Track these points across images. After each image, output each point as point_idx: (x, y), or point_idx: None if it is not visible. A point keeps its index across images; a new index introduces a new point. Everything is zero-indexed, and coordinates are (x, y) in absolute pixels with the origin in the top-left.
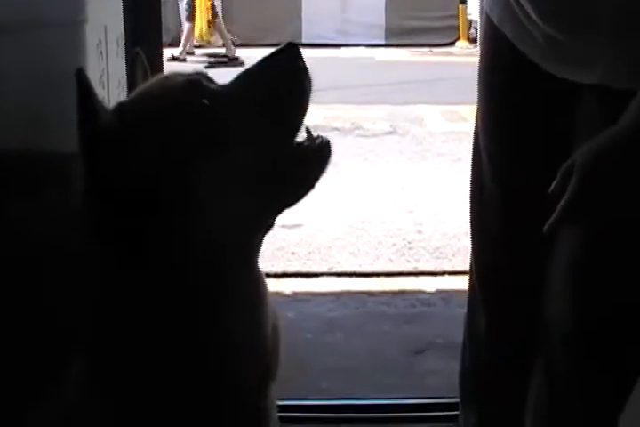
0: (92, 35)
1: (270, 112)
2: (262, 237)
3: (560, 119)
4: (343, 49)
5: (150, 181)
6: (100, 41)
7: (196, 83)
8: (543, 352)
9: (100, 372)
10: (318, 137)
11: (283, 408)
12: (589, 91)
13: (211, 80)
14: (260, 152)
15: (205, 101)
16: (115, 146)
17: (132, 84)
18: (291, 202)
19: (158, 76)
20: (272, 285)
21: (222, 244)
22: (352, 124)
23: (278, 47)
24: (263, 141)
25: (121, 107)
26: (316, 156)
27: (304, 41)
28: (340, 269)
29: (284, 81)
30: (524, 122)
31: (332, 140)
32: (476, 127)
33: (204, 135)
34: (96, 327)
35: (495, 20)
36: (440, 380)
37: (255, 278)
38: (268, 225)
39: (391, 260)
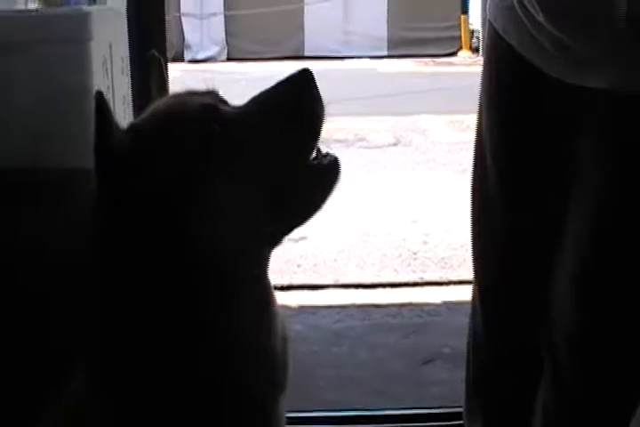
0: (97, 52)
1: (283, 138)
2: (270, 251)
3: (565, 126)
4: (346, 61)
5: (160, 202)
6: (106, 58)
7: (210, 107)
8: (547, 356)
9: (104, 375)
10: (327, 155)
11: (288, 420)
12: (596, 96)
13: (223, 101)
14: (271, 176)
15: (217, 127)
16: (127, 166)
17: (147, 87)
18: (300, 220)
19: (172, 96)
20: (278, 297)
21: (230, 263)
22: (355, 135)
23: (293, 72)
24: (274, 166)
25: (134, 127)
26: (326, 175)
27: (307, 53)
28: (345, 281)
29: (298, 108)
30: (528, 128)
31: (335, 152)
32: (478, 134)
33: (215, 160)
34: (103, 333)
35: (499, 30)
36: (447, 390)
37: (264, 291)
38: (277, 242)
39: (397, 271)
